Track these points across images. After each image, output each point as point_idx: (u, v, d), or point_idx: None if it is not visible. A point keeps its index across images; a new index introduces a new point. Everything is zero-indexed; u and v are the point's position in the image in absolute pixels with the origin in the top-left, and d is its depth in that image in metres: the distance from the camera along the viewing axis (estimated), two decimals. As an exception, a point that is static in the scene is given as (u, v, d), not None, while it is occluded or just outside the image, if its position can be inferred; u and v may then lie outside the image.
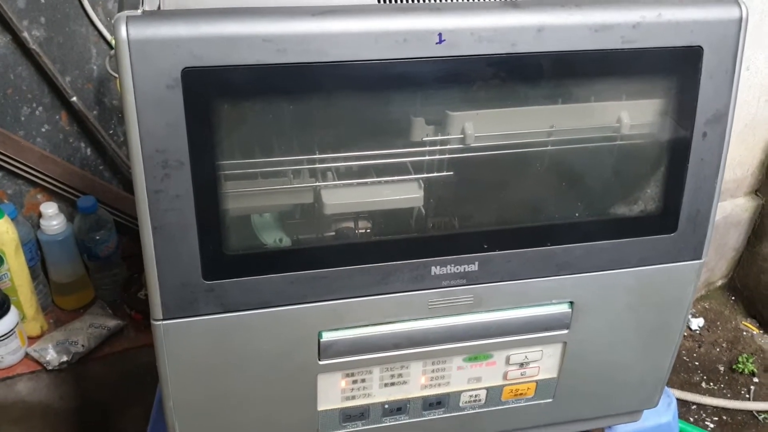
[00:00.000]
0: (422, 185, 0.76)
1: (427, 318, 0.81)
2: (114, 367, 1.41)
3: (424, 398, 0.87)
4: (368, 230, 0.78)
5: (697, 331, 2.04)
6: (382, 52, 0.67)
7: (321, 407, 0.84)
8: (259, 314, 0.75)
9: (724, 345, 2.01)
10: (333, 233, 0.78)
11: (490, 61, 0.70)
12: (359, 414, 0.86)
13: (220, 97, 0.66)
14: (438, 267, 0.78)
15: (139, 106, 0.63)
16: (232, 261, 0.71)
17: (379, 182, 0.76)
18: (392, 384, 0.85)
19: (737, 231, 2.01)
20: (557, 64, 0.72)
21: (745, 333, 2.05)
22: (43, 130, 1.38)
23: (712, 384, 1.90)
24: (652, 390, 0.96)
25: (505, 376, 0.88)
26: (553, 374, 0.90)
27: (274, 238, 0.78)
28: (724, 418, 1.82)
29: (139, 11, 0.63)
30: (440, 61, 0.69)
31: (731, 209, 1.95)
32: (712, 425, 1.79)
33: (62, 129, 1.39)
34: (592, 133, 0.79)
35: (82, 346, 1.38)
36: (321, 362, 0.80)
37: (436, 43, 0.68)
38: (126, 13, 0.62)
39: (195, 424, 0.80)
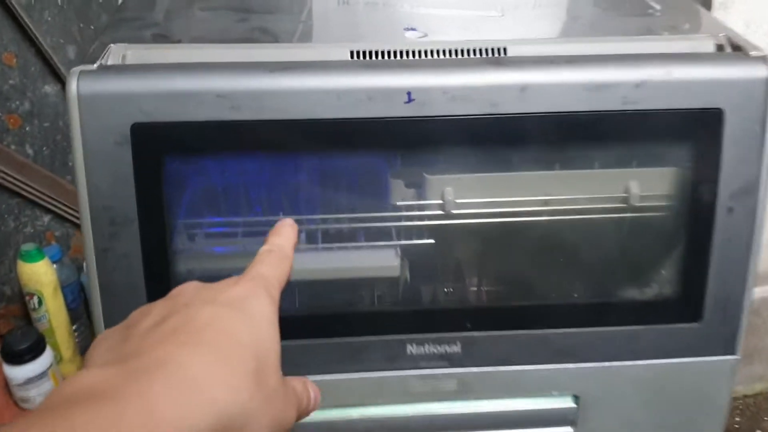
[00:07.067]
0: (399, 253, 0.70)
1: (405, 404, 0.73)
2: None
3: (408, 496, 0.78)
4: (337, 300, 0.72)
5: None
6: (344, 111, 0.63)
7: (291, 493, 0.77)
8: (217, 386, 0.70)
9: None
10: (297, 302, 0.72)
11: (465, 123, 0.64)
12: (334, 505, 0.78)
13: (171, 153, 0.63)
14: (414, 345, 0.70)
15: (87, 161, 0.62)
16: (184, 326, 0.67)
17: (351, 248, 0.70)
18: (371, 476, 0.77)
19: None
20: (546, 126, 0.65)
21: None
22: (94, 184, 1.42)
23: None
24: (689, 507, 0.82)
25: (502, 477, 0.78)
26: (562, 479, 0.79)
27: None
28: None
29: (95, 65, 0.62)
30: (409, 121, 0.63)
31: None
32: None
33: (110, 183, 1.43)
34: (596, 204, 0.70)
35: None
36: (287, 444, 0.73)
37: (405, 102, 0.63)
38: (81, 67, 0.62)
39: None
